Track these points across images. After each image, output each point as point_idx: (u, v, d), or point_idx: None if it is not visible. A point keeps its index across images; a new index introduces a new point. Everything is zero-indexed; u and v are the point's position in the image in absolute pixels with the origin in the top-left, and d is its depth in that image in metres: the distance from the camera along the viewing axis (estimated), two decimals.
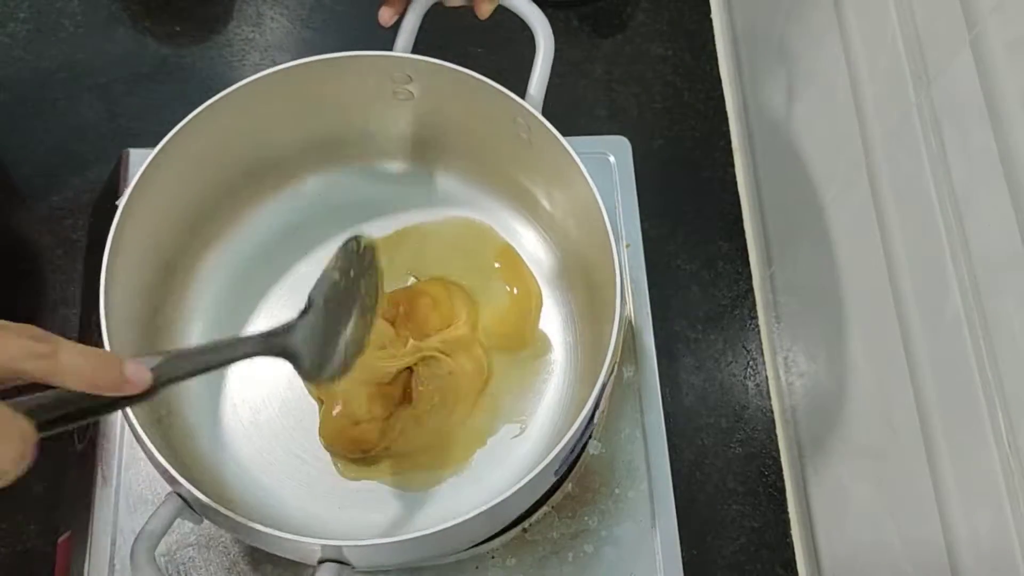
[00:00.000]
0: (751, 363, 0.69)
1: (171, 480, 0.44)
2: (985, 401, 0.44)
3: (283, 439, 0.56)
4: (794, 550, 0.64)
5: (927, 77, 0.49)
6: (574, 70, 0.77)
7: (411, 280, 0.60)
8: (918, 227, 0.50)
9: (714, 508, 0.65)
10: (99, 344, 0.46)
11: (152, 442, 0.44)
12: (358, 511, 0.54)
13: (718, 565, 0.63)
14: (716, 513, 0.65)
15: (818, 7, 0.61)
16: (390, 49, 0.55)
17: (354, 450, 0.55)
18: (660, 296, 0.69)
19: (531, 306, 0.60)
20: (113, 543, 0.53)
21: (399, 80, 0.54)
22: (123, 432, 0.56)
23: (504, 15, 0.55)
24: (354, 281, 0.47)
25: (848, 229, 0.58)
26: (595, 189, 0.50)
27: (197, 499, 0.43)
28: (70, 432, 0.46)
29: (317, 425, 0.56)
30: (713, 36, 0.79)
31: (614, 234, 0.50)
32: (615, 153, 0.65)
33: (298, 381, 0.56)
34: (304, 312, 0.45)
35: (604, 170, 0.65)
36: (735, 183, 0.74)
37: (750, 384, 0.69)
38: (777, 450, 0.67)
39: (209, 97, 0.51)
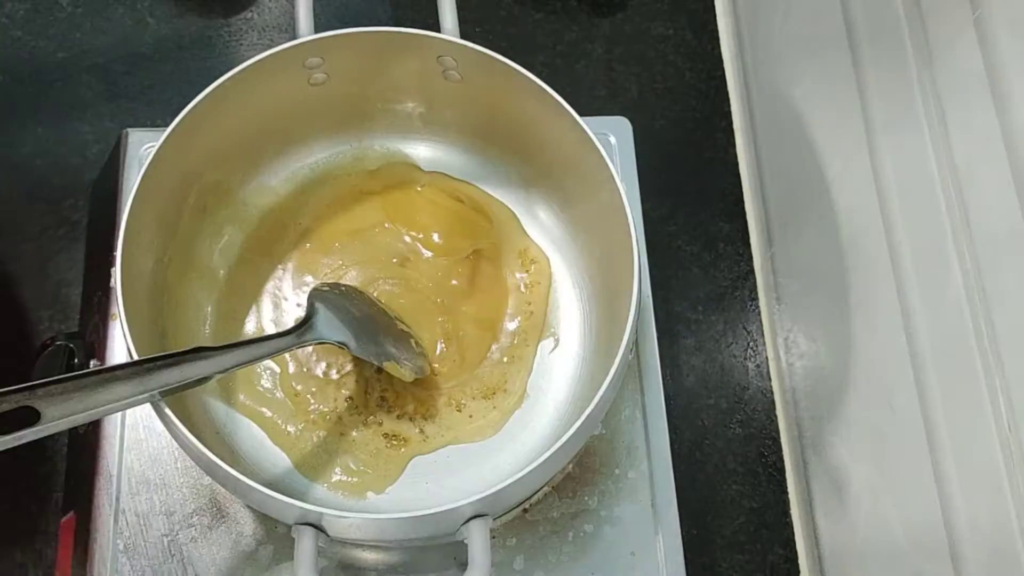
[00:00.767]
0: (751, 344, 0.69)
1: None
2: (985, 382, 0.44)
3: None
4: (793, 530, 0.65)
5: (930, 55, 0.49)
6: (574, 50, 0.76)
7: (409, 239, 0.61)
8: (919, 206, 0.50)
9: (714, 488, 0.65)
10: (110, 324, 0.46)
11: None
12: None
13: (717, 545, 0.64)
14: (716, 493, 0.65)
15: None
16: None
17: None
18: (661, 277, 0.70)
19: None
20: (116, 524, 0.53)
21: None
22: (125, 413, 0.56)
23: None
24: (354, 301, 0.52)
25: (849, 209, 0.58)
26: (609, 161, 0.51)
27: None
28: None
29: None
30: (715, 15, 0.79)
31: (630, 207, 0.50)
32: (615, 134, 0.65)
33: None
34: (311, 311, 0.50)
35: (605, 151, 0.65)
36: (736, 164, 0.74)
37: (750, 365, 0.69)
38: (777, 431, 0.67)
39: (206, 77, 0.51)
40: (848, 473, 0.58)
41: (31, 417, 0.38)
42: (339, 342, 0.52)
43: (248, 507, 0.54)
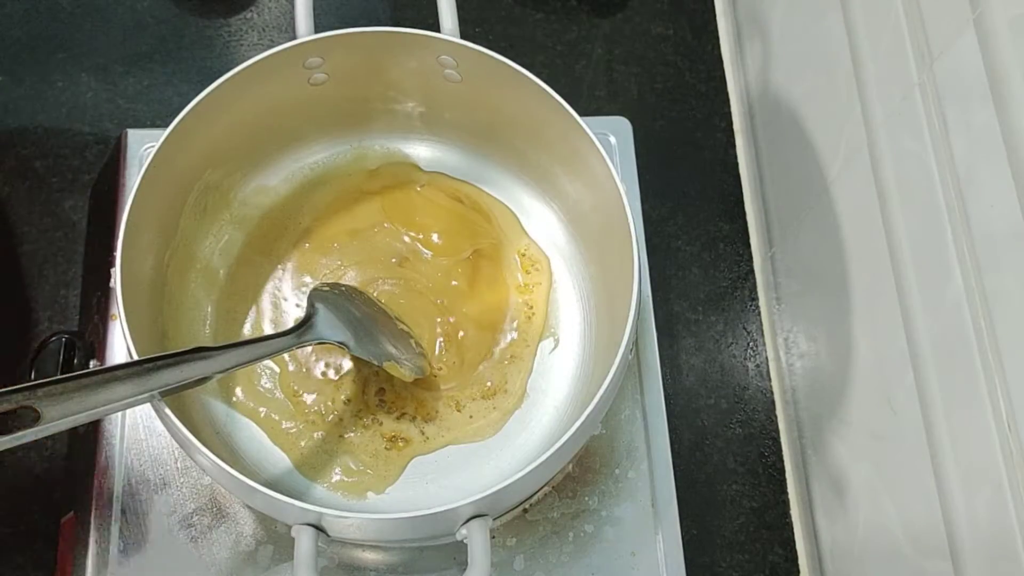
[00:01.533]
0: (751, 344, 0.69)
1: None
2: (985, 381, 0.44)
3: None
4: (793, 530, 0.65)
5: (930, 55, 0.49)
6: (574, 50, 0.76)
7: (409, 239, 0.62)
8: (919, 206, 0.50)
9: (714, 488, 0.65)
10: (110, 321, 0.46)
11: None
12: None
13: (717, 545, 0.64)
14: (716, 493, 0.65)
15: None
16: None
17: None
18: (661, 277, 0.70)
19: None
20: (116, 524, 0.53)
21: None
22: (125, 413, 0.56)
23: None
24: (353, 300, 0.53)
25: (849, 209, 0.58)
26: (608, 162, 0.51)
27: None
28: None
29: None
30: (715, 15, 0.79)
31: (629, 207, 0.50)
32: (615, 134, 0.65)
33: None
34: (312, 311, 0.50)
35: (605, 151, 0.65)
36: (736, 164, 0.74)
37: (750, 365, 0.69)
38: (777, 431, 0.67)
39: (206, 77, 0.51)
40: (848, 473, 0.58)
41: (31, 417, 0.38)
42: (339, 342, 0.52)
43: (248, 507, 0.54)
